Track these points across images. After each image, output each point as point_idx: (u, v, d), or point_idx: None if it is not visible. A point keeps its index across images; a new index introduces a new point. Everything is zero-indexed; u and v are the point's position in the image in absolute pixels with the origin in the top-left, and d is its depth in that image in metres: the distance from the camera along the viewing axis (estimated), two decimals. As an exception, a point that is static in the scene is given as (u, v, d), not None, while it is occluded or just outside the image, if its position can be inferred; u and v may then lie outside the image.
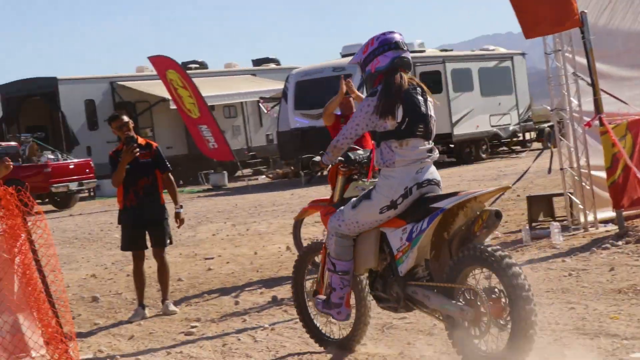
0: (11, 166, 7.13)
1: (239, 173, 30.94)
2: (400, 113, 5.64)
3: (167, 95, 28.36)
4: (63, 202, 25.25)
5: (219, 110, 31.93)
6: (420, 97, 5.74)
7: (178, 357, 7.00)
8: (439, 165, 29.53)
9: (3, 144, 26.39)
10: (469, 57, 30.96)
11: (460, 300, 5.42)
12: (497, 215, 5.40)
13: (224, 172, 29.19)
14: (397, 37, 5.86)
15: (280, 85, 30.11)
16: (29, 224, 6.12)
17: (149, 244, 8.95)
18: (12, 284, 6.11)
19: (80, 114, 30.01)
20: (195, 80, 27.15)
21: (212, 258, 12.34)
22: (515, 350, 5.16)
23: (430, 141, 5.78)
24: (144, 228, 8.79)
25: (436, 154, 5.81)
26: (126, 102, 30.68)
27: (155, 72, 27.98)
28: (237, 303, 8.92)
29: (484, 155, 29.71)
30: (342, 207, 6.05)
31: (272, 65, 37.04)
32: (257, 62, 37.49)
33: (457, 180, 21.48)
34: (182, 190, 28.80)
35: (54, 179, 24.33)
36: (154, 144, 8.93)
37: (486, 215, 5.42)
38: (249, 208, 19.53)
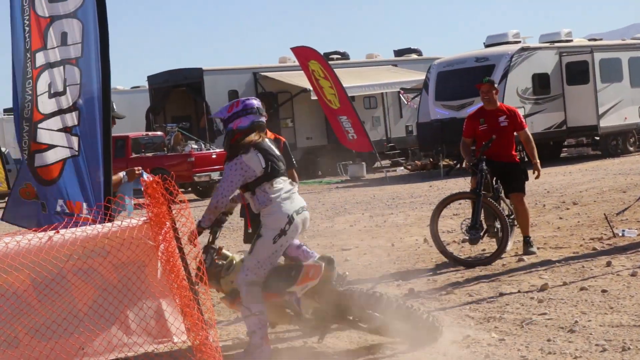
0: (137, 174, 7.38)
1: (377, 164, 30.94)
2: (262, 160, 6.81)
3: (308, 86, 28.64)
4: (205, 191, 25.87)
5: (359, 101, 32.01)
6: (271, 144, 6.99)
7: (309, 349, 7.04)
8: (584, 158, 28.70)
9: (150, 133, 27.26)
10: (618, 47, 29.97)
11: None
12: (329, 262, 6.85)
13: (363, 163, 29.25)
14: (256, 103, 7.04)
15: (421, 76, 29.92)
16: (174, 212, 6.28)
17: None
18: (155, 271, 6.27)
19: (223, 104, 30.49)
20: (336, 70, 27.31)
21: (349, 249, 12.38)
22: None
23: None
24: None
25: (296, 186, 7.06)
26: (268, 93, 31.10)
27: (297, 63, 28.30)
28: (374, 295, 8.90)
29: (631, 148, 28.73)
30: (243, 262, 6.97)
31: (414, 56, 36.84)
32: (399, 53, 37.36)
33: (602, 174, 20.86)
34: (321, 181, 29.04)
35: (196, 168, 24.96)
36: (282, 139, 8.70)
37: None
38: (387, 199, 19.51)
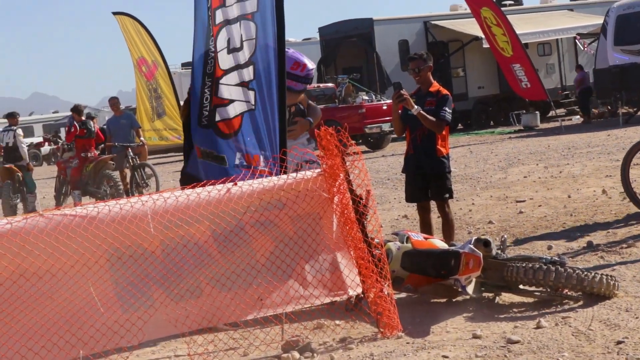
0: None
1: (552, 113, 30.11)
2: None
3: (480, 34, 28.07)
4: (376, 142, 25.89)
5: (532, 48, 31.15)
6: None
7: (486, 302, 6.95)
8: None
9: (321, 85, 27.47)
10: None
11: None
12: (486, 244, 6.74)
13: (536, 112, 28.47)
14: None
15: (599, 20, 28.76)
16: (347, 163, 6.29)
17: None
18: (330, 223, 6.32)
19: (394, 55, 30.43)
20: (509, 17, 26.63)
21: (524, 201, 12.11)
22: None
23: None
24: (423, 178, 8.34)
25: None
26: (439, 42, 30.70)
27: (468, 10, 27.76)
28: (550, 247, 8.68)
29: None
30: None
31: (592, -1, 35.48)
32: (577, -4, 36.08)
33: None
34: (493, 131, 28.53)
35: (367, 119, 24.99)
36: (443, 91, 8.28)
37: None
38: (562, 149, 18.96)
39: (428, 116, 8.09)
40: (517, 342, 5.66)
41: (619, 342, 5.43)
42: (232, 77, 7.06)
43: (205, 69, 7.19)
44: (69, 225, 5.24)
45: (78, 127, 16.45)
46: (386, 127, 25.31)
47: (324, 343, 6.15)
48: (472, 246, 6.62)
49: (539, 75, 27.63)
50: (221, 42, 7.10)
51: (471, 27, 29.15)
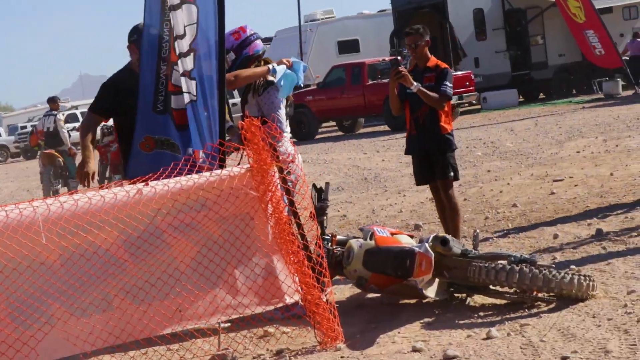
0: None
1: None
2: None
3: (557, -1, 26.78)
4: (447, 115, 24.93)
5: (617, 11, 29.57)
6: None
7: (456, 304, 6.25)
8: None
9: (387, 58, 26.57)
10: None
11: None
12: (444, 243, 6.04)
13: (618, 80, 26.96)
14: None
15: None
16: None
17: None
18: (264, 225, 5.70)
19: (468, 25, 29.33)
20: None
21: (562, 180, 11.23)
22: None
23: None
24: (428, 159, 7.77)
25: None
26: (516, 9, 29.45)
27: (545, -25, 26.51)
28: (555, 236, 7.88)
29: None
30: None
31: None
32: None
33: None
34: (570, 100, 27.21)
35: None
36: (442, 65, 7.63)
37: None
38: (630, 120, 17.80)
39: (429, 92, 7.44)
40: (454, 357, 4.97)
41: (564, 358, 4.69)
42: (178, 66, 6.47)
43: (160, 52, 6.62)
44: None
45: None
46: (454, 99, 24.34)
47: (259, 356, 5.59)
48: (427, 245, 5.93)
49: (625, 40, 26.14)
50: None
51: (552, -7, 27.81)
